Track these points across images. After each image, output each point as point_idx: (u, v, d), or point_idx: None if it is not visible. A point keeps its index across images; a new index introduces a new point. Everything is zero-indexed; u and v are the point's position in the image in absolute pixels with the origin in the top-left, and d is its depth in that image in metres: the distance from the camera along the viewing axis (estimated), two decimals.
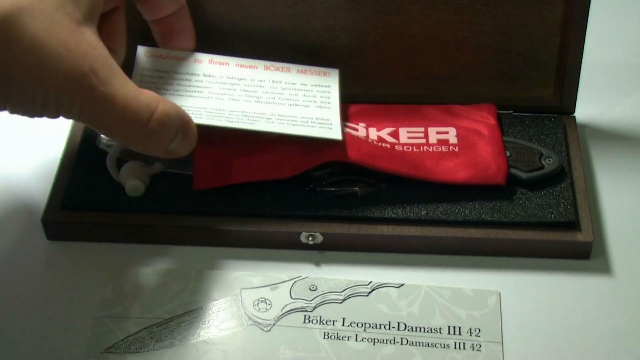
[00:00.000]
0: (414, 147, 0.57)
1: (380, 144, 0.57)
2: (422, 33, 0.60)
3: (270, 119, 0.56)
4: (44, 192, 0.58)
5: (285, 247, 0.56)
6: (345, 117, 0.59)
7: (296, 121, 0.56)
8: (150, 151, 0.51)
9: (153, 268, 0.55)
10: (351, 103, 0.60)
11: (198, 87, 0.56)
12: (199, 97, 0.56)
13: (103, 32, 0.51)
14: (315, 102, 0.57)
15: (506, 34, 0.59)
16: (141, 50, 0.57)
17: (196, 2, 0.58)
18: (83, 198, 0.56)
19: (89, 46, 0.46)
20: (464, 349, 0.51)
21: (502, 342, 0.51)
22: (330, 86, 0.58)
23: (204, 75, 0.57)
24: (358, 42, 0.60)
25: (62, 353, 0.51)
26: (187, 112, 0.53)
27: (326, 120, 0.56)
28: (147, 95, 0.49)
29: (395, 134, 0.58)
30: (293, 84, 0.58)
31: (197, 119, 0.54)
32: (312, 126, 0.56)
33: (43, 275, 0.55)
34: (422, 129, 0.58)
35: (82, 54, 0.45)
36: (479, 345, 0.51)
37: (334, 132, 0.56)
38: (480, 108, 0.60)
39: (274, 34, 0.60)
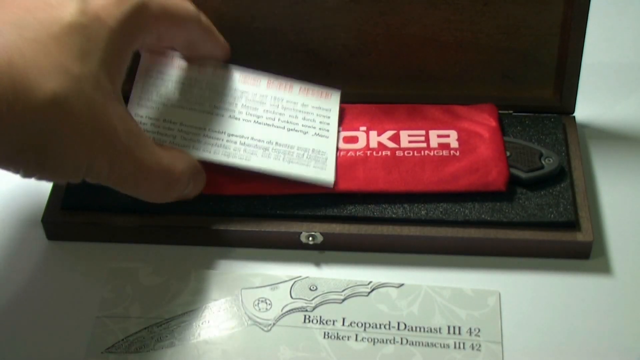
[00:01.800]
0: (415, 152, 0.57)
1: (380, 152, 0.57)
2: (422, 33, 0.60)
3: (267, 149, 0.56)
4: (44, 192, 0.58)
5: (285, 247, 0.56)
6: (345, 119, 0.59)
7: (292, 154, 0.56)
8: (165, 201, 0.53)
9: (154, 268, 0.55)
10: (351, 103, 0.60)
11: (200, 96, 0.56)
12: (199, 110, 0.56)
13: None
14: (314, 128, 0.57)
15: (506, 34, 0.59)
16: (145, 53, 0.57)
17: (197, 2, 0.58)
18: (83, 198, 0.56)
19: (120, 120, 0.47)
20: (463, 348, 0.51)
21: (502, 342, 0.51)
22: (330, 110, 0.58)
23: (207, 84, 0.57)
24: (358, 42, 0.60)
25: (62, 353, 0.51)
26: (188, 138, 0.55)
27: (322, 154, 0.56)
28: (168, 158, 0.51)
29: (395, 138, 0.58)
30: (294, 103, 0.58)
31: (194, 152, 0.54)
32: (307, 164, 0.56)
33: (43, 275, 0.55)
34: (423, 132, 0.58)
35: (113, 130, 0.47)
36: (478, 345, 0.51)
37: (328, 173, 0.56)
38: (481, 109, 0.60)
39: (274, 34, 0.60)
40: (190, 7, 0.53)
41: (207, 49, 0.56)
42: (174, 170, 0.51)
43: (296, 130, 0.57)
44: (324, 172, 0.56)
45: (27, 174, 0.46)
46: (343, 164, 0.56)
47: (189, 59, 0.57)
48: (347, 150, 0.57)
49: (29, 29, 0.44)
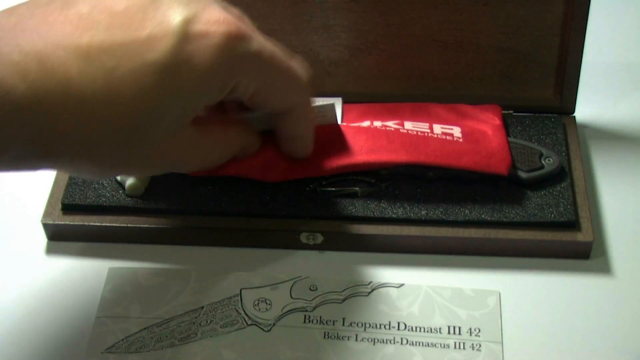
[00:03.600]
0: (419, 133, 0.57)
1: (384, 128, 0.57)
2: (422, 33, 0.60)
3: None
4: (44, 192, 0.58)
5: (285, 247, 0.56)
6: (349, 116, 0.59)
7: None
8: None
9: (153, 268, 0.55)
10: (352, 103, 0.60)
11: None
12: None
13: None
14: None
15: (506, 34, 0.59)
16: None
17: None
18: (83, 198, 0.56)
19: (166, 152, 0.47)
20: (463, 348, 0.51)
21: (502, 342, 0.51)
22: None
23: None
24: (358, 42, 0.60)
25: (62, 353, 0.51)
26: None
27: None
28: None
29: (399, 125, 0.58)
30: None
31: None
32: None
33: (43, 275, 0.55)
34: (427, 124, 0.58)
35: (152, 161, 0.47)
36: (478, 345, 0.51)
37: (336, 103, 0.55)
38: (485, 109, 0.59)
39: (274, 34, 0.60)
40: (303, 76, 0.49)
41: (296, 130, 0.53)
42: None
43: None
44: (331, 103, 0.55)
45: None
46: (347, 132, 0.56)
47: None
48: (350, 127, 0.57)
49: (113, 58, 0.42)
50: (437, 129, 0.57)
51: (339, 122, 0.57)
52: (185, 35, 0.43)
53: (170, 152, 0.47)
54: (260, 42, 0.47)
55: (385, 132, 0.56)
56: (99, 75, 0.42)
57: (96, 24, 0.43)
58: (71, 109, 0.42)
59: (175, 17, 0.44)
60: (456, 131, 0.57)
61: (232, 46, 0.45)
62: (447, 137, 0.56)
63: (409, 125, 0.57)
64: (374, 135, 0.56)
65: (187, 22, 0.44)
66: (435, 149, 0.55)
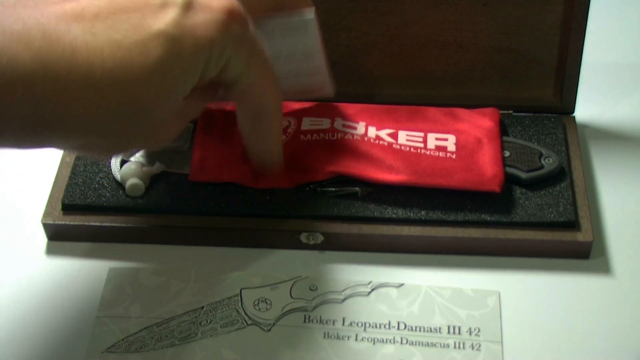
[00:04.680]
0: (412, 149, 0.57)
1: (377, 142, 0.57)
2: (422, 33, 0.60)
3: None
4: (44, 192, 0.58)
5: (285, 247, 0.56)
6: (345, 114, 0.59)
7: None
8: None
9: (153, 268, 0.55)
10: (351, 103, 0.60)
11: None
12: None
13: None
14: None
15: (506, 34, 0.59)
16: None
17: None
18: (83, 198, 0.56)
19: (164, 129, 0.48)
20: (463, 348, 0.51)
21: (502, 342, 0.51)
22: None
23: None
24: (358, 42, 0.60)
25: (62, 353, 0.51)
26: None
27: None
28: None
29: (394, 136, 0.58)
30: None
31: None
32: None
33: (43, 275, 0.55)
34: (422, 134, 0.58)
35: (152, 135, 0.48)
36: (478, 345, 0.51)
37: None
38: (483, 113, 0.59)
39: None
40: (279, 84, 0.51)
41: (264, 137, 0.54)
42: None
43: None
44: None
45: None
46: (340, 145, 0.56)
47: None
48: (345, 133, 0.57)
49: (119, 31, 0.43)
50: (431, 140, 0.57)
51: (319, 38, 0.55)
52: (188, 5, 0.44)
53: (167, 125, 0.47)
54: (254, 32, 0.48)
55: (379, 147, 0.56)
56: (105, 46, 0.42)
57: (97, 2, 0.44)
58: (77, 79, 0.42)
59: None
60: (450, 142, 0.57)
61: (232, 22, 0.46)
62: (440, 154, 0.56)
63: (402, 137, 0.57)
64: (367, 150, 0.56)
65: None
66: (427, 167, 0.55)
